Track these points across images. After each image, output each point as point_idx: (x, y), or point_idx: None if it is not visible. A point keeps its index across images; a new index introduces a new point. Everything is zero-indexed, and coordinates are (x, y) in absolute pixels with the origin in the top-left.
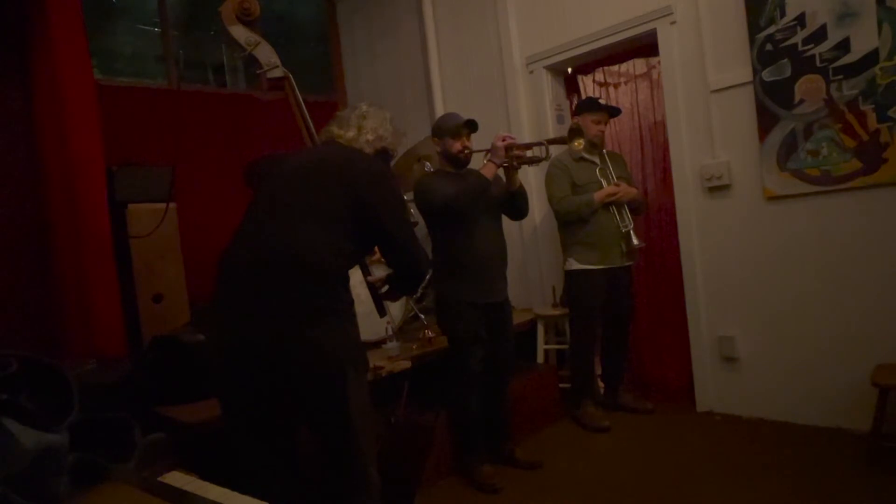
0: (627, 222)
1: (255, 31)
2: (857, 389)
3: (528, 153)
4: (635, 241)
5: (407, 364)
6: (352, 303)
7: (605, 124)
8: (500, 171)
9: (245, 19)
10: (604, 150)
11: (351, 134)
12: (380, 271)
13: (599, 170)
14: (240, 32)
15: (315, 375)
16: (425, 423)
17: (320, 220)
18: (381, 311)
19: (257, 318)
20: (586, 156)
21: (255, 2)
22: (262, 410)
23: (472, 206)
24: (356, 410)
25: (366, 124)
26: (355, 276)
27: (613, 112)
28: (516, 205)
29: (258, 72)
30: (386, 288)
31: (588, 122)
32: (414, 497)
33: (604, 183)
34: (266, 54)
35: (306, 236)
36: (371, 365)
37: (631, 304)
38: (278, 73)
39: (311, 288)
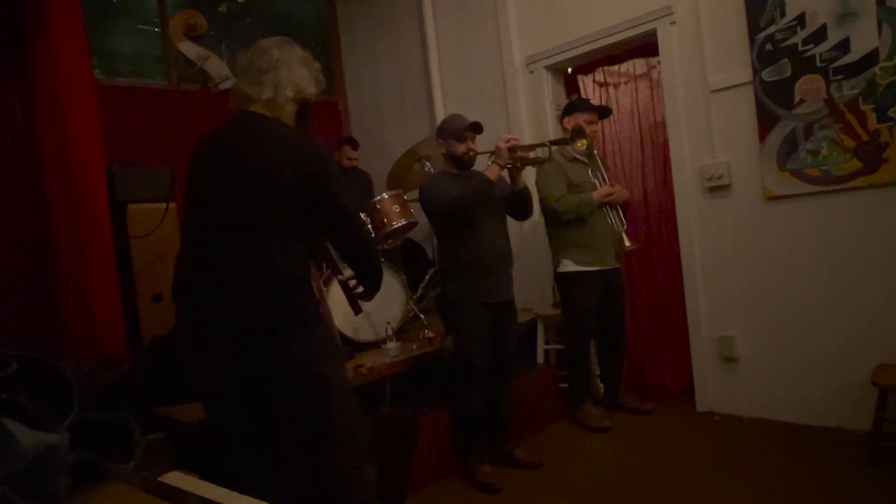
0: (621, 223)
1: (204, 45)
2: (857, 389)
3: (532, 154)
4: (627, 244)
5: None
6: (317, 304)
7: (596, 124)
8: (504, 172)
9: (193, 35)
10: (594, 151)
11: (267, 95)
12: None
13: (591, 170)
14: (189, 49)
15: (297, 387)
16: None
17: (268, 226)
18: (357, 310)
19: (228, 342)
20: (578, 156)
21: (202, 18)
22: (250, 426)
23: (476, 206)
24: (338, 414)
25: (281, 78)
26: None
27: (604, 112)
28: (521, 205)
29: (209, 85)
30: (361, 289)
31: (580, 122)
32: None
33: (597, 183)
34: (217, 68)
35: (259, 249)
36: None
37: (623, 304)
38: (230, 84)
39: (276, 300)
